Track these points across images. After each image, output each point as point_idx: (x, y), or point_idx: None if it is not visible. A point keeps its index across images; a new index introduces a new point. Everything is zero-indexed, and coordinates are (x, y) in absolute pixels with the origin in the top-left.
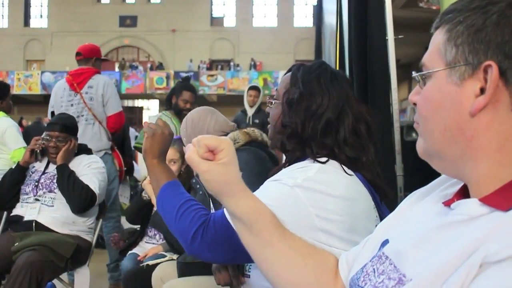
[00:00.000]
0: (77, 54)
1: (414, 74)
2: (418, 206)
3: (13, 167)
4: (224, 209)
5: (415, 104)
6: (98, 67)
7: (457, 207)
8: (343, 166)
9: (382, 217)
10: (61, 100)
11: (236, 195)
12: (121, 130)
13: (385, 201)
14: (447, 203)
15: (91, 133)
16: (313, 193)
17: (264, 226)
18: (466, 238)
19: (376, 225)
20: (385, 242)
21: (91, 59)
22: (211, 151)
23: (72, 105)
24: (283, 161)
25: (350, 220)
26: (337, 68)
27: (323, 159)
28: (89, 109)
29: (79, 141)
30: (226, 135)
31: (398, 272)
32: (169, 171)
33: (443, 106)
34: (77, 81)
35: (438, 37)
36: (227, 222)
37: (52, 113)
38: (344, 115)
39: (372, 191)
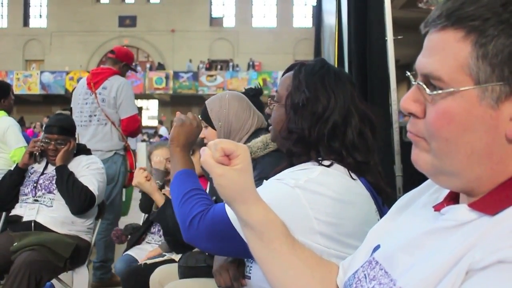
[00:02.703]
0: (111, 51)
1: (420, 82)
2: (409, 211)
3: (12, 168)
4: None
5: (411, 113)
6: (123, 73)
7: (446, 212)
8: (349, 172)
9: None
10: (79, 98)
11: (248, 203)
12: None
13: (387, 203)
14: (437, 208)
15: (102, 133)
16: (313, 195)
17: (275, 236)
18: (454, 245)
19: None
20: (377, 248)
21: (121, 63)
22: (226, 155)
23: (86, 103)
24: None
25: (348, 223)
26: None
27: (327, 163)
28: (101, 109)
29: (91, 141)
30: (257, 133)
31: (388, 277)
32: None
33: (473, 130)
34: (94, 80)
35: (459, 48)
36: (225, 215)
37: (70, 109)
38: (351, 116)
39: (374, 194)
